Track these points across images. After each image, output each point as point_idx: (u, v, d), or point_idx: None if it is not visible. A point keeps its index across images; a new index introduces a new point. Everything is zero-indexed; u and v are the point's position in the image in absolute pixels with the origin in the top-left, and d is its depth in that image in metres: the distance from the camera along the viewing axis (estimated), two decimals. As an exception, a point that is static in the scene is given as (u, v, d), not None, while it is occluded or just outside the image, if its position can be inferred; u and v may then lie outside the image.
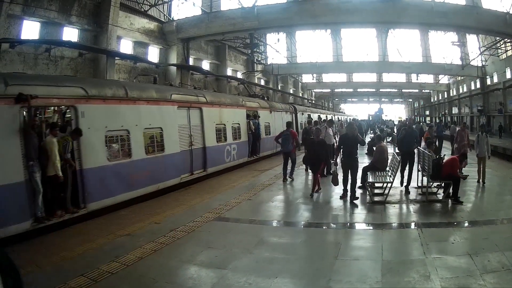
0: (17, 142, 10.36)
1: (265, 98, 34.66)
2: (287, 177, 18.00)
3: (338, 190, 14.45)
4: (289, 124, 19.41)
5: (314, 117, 38.48)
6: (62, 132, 12.00)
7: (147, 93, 16.13)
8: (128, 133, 14.22)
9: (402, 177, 15.81)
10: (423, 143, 17.72)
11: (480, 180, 16.19)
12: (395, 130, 45.27)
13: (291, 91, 73.33)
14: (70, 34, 27.43)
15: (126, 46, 33.60)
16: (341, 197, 13.90)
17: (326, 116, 43.86)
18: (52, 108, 14.42)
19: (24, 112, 10.92)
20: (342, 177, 14.07)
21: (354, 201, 13.30)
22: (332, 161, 15.96)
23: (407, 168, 15.68)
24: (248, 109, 26.21)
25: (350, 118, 69.01)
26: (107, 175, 13.11)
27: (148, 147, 15.33)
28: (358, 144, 14.88)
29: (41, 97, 11.04)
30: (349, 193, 13.60)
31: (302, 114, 39.46)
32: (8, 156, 10.16)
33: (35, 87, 11.06)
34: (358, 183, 14.57)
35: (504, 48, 52.85)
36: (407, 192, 14.80)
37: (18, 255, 8.72)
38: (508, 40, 47.01)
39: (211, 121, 20.74)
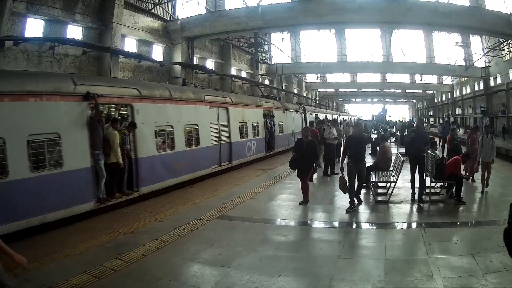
0: (85, 134, 12.35)
1: (278, 99, 37.99)
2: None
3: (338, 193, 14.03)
4: (311, 123, 22.93)
5: (321, 117, 39.35)
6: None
7: (186, 94, 18.77)
8: (172, 128, 16.71)
9: (413, 185, 13.70)
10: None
11: (484, 190, 14.94)
12: (394, 129, 45.30)
13: (295, 91, 73.23)
14: (74, 32, 27.29)
15: (130, 45, 33.49)
16: (347, 210, 12.20)
17: (332, 116, 45.31)
18: (113, 105, 16.16)
19: (91, 108, 12.71)
20: (348, 184, 12.61)
21: (359, 202, 13.10)
22: (336, 161, 16.04)
23: (416, 175, 13.61)
24: (265, 109, 28.89)
25: (354, 119, 68.99)
26: (156, 164, 15.47)
27: (187, 140, 17.82)
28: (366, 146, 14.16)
29: (105, 96, 13.16)
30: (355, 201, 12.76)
31: (311, 114, 41.64)
32: (77, 146, 12.08)
33: (99, 87, 13.14)
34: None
35: (507, 50, 52.77)
36: (420, 208, 12.74)
37: (22, 252, 8.75)
38: (512, 42, 47.03)
39: (236, 119, 23.29)
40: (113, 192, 13.38)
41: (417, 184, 13.71)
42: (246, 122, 24.75)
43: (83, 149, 12.23)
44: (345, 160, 13.17)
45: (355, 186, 13.02)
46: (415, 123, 19.20)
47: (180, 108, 17.61)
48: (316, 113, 45.15)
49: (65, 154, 11.62)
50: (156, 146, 15.69)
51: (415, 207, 12.91)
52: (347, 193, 12.65)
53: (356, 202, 12.86)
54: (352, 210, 12.35)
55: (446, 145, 27.65)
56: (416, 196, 13.64)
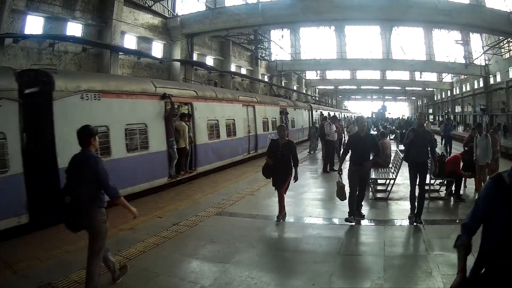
0: (162, 125, 15.97)
1: (288, 98, 44.65)
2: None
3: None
4: (324, 119, 24.83)
5: (325, 114, 41.92)
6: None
7: (226, 95, 23.59)
8: (217, 122, 21.06)
9: (413, 199, 10.90)
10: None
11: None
12: (387, 125, 45.23)
13: (295, 88, 73.24)
14: (74, 29, 27.35)
15: (130, 41, 33.50)
16: (347, 219, 10.82)
17: (334, 113, 48.06)
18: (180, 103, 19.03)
19: (166, 106, 16.42)
20: (348, 191, 11.03)
21: (360, 217, 11.05)
22: (336, 160, 15.53)
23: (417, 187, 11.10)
24: (280, 107, 33.41)
25: (354, 116, 69.11)
26: (208, 150, 19.61)
27: (227, 132, 22.05)
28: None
29: (174, 96, 16.75)
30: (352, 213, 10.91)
31: (316, 111, 47.80)
32: (158, 134, 15.68)
33: (170, 89, 16.99)
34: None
35: (507, 48, 52.74)
36: (417, 230, 10.20)
37: (21, 249, 8.77)
38: (511, 40, 46.96)
39: (260, 115, 27.75)
40: (179, 171, 17.22)
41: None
42: (267, 118, 29.35)
43: (162, 136, 15.87)
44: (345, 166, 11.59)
45: (356, 195, 10.97)
46: (415, 120, 17.39)
47: (223, 106, 22.01)
48: (321, 110, 50.60)
49: (150, 139, 15.19)
50: (207, 136, 19.92)
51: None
52: (344, 200, 11.23)
53: (356, 212, 10.97)
54: (351, 221, 10.75)
55: (448, 144, 28.16)
56: (414, 214, 10.87)
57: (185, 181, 17.43)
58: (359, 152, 11.05)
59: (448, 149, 27.14)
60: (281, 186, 11.18)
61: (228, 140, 21.99)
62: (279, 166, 11.04)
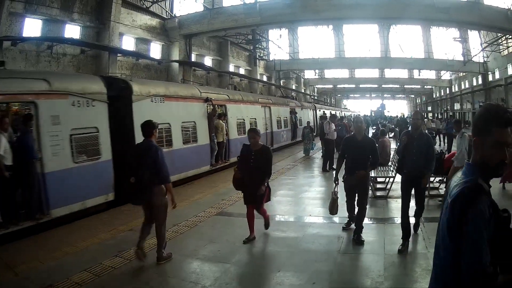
0: (206, 123, 20.25)
1: (295, 99, 50.82)
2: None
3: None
4: (323, 118, 27.33)
5: (327, 113, 43.50)
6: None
7: (249, 98, 28.70)
8: (243, 120, 25.25)
9: (406, 220, 9.05)
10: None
11: None
12: (387, 123, 45.13)
13: (293, 87, 73.14)
14: (72, 31, 27.27)
15: (128, 43, 33.43)
16: (344, 227, 10.24)
17: (336, 112, 52.21)
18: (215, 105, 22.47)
19: (208, 107, 20.95)
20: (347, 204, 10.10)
21: (358, 243, 9.07)
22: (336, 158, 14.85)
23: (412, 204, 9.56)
24: (290, 108, 38.26)
25: (353, 115, 69.20)
26: (237, 144, 21.12)
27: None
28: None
29: (214, 99, 21.17)
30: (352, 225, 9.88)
31: (319, 110, 51.71)
32: (203, 130, 19.89)
33: (210, 94, 21.40)
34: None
35: (506, 45, 52.69)
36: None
37: (22, 251, 8.79)
38: (510, 36, 46.87)
39: (275, 115, 32.39)
40: (217, 160, 21.36)
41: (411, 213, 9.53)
42: (280, 117, 33.81)
43: (205, 132, 20.07)
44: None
45: (355, 209, 9.87)
46: (411, 119, 15.56)
47: (247, 107, 26.50)
48: (324, 110, 54.41)
49: (198, 134, 19.32)
50: (237, 132, 24.01)
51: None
52: (335, 214, 10.23)
53: (355, 236, 9.34)
54: (348, 227, 10.14)
55: (449, 143, 27.75)
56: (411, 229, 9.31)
57: (221, 169, 21.28)
58: (356, 159, 9.41)
59: (447, 148, 27.07)
60: (257, 202, 9.56)
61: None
62: (252, 177, 9.25)
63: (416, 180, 9.12)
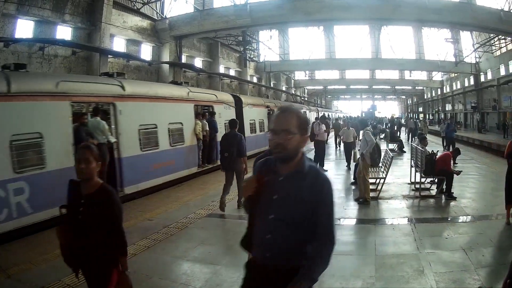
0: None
1: (301, 102, 61.01)
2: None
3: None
4: (323, 118, 31.03)
5: (327, 115, 50.04)
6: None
7: (260, 101, 34.18)
8: (255, 121, 29.34)
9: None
10: None
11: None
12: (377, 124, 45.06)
13: (284, 88, 73.44)
14: (64, 32, 27.31)
15: (119, 44, 33.47)
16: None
17: (329, 114, 60.80)
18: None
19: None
20: None
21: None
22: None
23: None
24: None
25: (343, 116, 69.66)
26: (251, 140, 26.05)
27: (259, 128, 30.19)
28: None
29: (251, 103, 29.27)
30: None
31: (320, 112, 54.82)
32: (263, 127, 28.85)
33: (248, 99, 30.86)
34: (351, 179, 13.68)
35: (498, 45, 52.96)
36: (409, 229, 9.87)
37: (14, 253, 8.74)
38: (503, 37, 47.12)
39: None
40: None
41: None
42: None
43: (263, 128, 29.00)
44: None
45: None
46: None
47: (259, 110, 31.22)
48: (324, 112, 59.43)
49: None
50: (258, 129, 29.73)
51: (405, 202, 12.89)
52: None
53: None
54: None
55: (450, 147, 25.30)
56: None
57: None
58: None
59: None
60: None
61: (260, 134, 29.59)
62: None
63: None
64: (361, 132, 17.21)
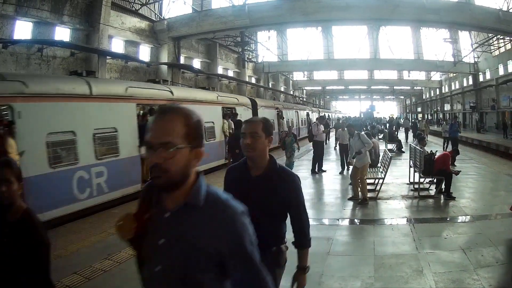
0: (275, 122, 33.11)
1: (304, 104, 63.81)
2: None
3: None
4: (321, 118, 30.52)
5: (326, 115, 51.82)
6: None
7: (271, 103, 37.51)
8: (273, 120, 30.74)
9: None
10: None
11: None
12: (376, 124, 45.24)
13: (282, 89, 73.40)
14: (62, 33, 27.36)
15: (117, 45, 33.58)
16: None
17: (328, 115, 61.05)
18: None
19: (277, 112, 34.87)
20: None
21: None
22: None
23: None
24: (302, 111, 48.79)
25: (342, 116, 69.81)
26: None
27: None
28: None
29: (264, 105, 32.42)
30: None
31: (321, 113, 56.32)
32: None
33: (262, 102, 34.66)
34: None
35: (497, 45, 52.96)
36: (408, 229, 9.95)
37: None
38: (501, 37, 47.12)
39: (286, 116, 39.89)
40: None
41: None
42: (288, 119, 39.87)
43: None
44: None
45: None
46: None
47: (270, 111, 33.25)
48: (324, 112, 62.40)
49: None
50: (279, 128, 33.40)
51: (404, 203, 12.85)
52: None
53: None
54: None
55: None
56: None
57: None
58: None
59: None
60: None
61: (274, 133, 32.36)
62: None
63: None
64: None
